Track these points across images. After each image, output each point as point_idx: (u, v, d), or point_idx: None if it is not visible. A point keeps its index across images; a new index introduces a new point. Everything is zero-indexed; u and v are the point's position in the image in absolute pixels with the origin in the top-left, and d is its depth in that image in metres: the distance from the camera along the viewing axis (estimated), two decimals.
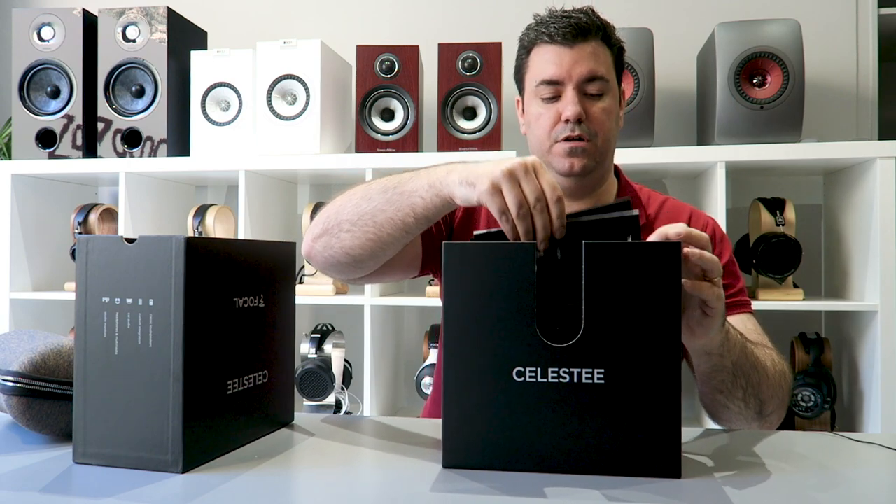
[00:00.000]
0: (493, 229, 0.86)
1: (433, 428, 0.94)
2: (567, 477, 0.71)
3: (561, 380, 0.72)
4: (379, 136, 2.07)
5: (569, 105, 1.11)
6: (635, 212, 0.80)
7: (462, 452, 0.74)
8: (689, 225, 1.19)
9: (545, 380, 0.72)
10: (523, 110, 1.22)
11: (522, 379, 0.72)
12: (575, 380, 0.71)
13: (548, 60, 1.14)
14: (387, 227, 0.97)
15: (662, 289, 0.70)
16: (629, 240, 0.80)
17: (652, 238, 0.83)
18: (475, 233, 0.88)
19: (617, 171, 1.27)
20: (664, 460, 0.70)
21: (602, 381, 0.71)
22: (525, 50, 1.19)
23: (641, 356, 0.71)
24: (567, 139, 1.13)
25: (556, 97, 1.14)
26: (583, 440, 0.71)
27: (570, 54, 1.12)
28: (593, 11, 1.15)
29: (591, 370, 0.71)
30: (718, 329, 0.85)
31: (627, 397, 0.71)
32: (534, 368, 0.72)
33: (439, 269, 1.19)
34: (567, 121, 1.12)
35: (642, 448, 0.70)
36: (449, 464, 0.74)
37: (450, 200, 0.91)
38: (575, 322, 0.72)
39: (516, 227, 0.81)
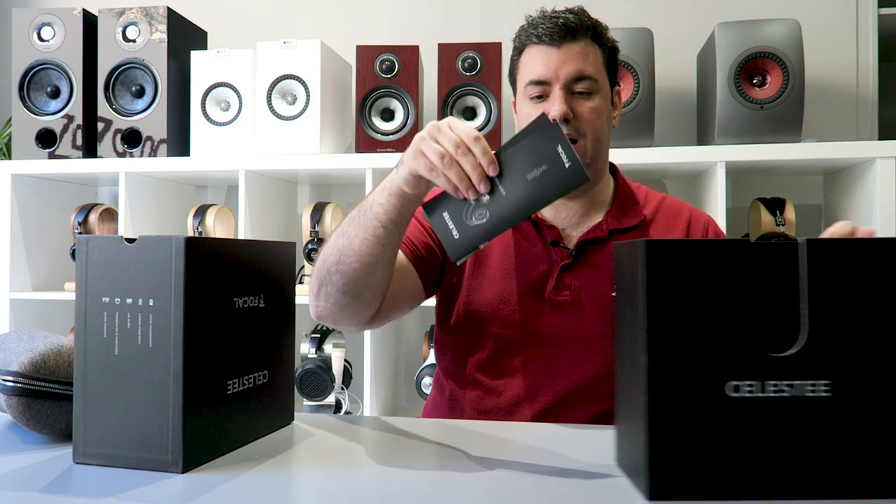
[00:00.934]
0: (439, 194, 0.89)
1: (434, 428, 0.95)
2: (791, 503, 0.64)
3: (782, 394, 0.64)
4: (379, 136, 2.07)
5: (555, 104, 1.11)
6: (553, 122, 0.83)
7: (673, 481, 0.65)
8: (688, 224, 1.21)
9: (764, 394, 0.65)
10: (517, 111, 1.22)
11: (738, 394, 0.65)
12: (797, 393, 0.64)
13: (536, 61, 1.14)
14: (365, 248, 0.99)
15: (892, 289, 0.64)
16: (559, 149, 0.82)
17: (834, 235, 0.79)
18: (423, 203, 0.90)
19: (614, 170, 1.26)
20: None
21: (828, 394, 0.64)
22: (517, 51, 1.19)
23: (871, 364, 0.64)
24: None
25: (544, 97, 1.14)
26: (807, 461, 0.64)
27: (558, 54, 1.12)
28: (583, 11, 1.15)
29: (815, 382, 0.64)
30: None
31: (856, 411, 0.64)
32: (751, 382, 0.65)
33: (439, 288, 1.21)
34: (554, 120, 1.12)
35: (875, 467, 0.64)
36: (658, 495, 0.64)
37: (401, 193, 0.95)
38: (791, 327, 0.65)
39: (449, 178, 0.85)
